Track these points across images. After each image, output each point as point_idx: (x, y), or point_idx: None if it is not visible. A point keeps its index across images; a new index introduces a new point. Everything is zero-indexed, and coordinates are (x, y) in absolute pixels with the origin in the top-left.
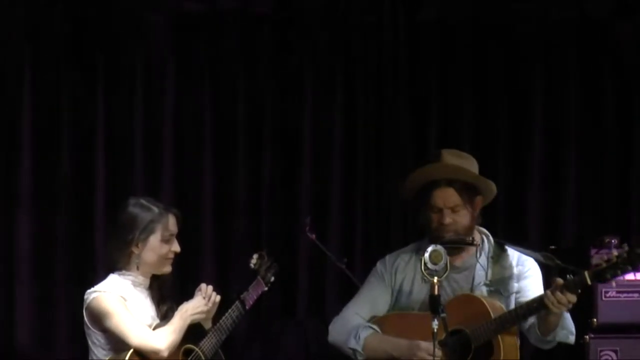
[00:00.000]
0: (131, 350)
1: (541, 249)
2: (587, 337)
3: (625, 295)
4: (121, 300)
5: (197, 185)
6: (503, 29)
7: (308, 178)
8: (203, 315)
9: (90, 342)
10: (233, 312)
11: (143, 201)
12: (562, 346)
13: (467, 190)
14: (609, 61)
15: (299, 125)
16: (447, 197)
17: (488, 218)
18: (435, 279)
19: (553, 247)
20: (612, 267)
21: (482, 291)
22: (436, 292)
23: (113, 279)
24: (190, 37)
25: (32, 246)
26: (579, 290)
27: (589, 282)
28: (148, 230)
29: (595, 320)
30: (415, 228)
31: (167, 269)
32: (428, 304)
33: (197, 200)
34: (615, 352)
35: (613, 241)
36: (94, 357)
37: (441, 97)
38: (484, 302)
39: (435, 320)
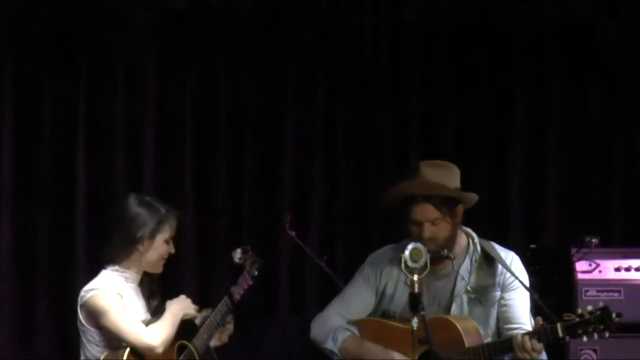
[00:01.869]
0: (128, 349)
1: (522, 248)
2: (567, 336)
3: (605, 294)
4: (118, 297)
5: (179, 183)
6: (486, 28)
7: (289, 176)
8: (192, 310)
9: (84, 339)
10: (222, 307)
11: (149, 199)
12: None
13: (446, 202)
14: (593, 60)
15: (281, 124)
16: (425, 211)
17: (469, 217)
18: (415, 277)
19: (533, 246)
20: (584, 323)
21: (462, 299)
22: (416, 290)
23: (107, 275)
24: (173, 34)
25: (13, 243)
26: (550, 340)
27: (560, 334)
28: (156, 230)
29: None
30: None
31: (160, 269)
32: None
33: (178, 198)
34: (595, 351)
35: (593, 241)
36: (88, 354)
37: (423, 97)
38: (459, 329)
39: (415, 318)
